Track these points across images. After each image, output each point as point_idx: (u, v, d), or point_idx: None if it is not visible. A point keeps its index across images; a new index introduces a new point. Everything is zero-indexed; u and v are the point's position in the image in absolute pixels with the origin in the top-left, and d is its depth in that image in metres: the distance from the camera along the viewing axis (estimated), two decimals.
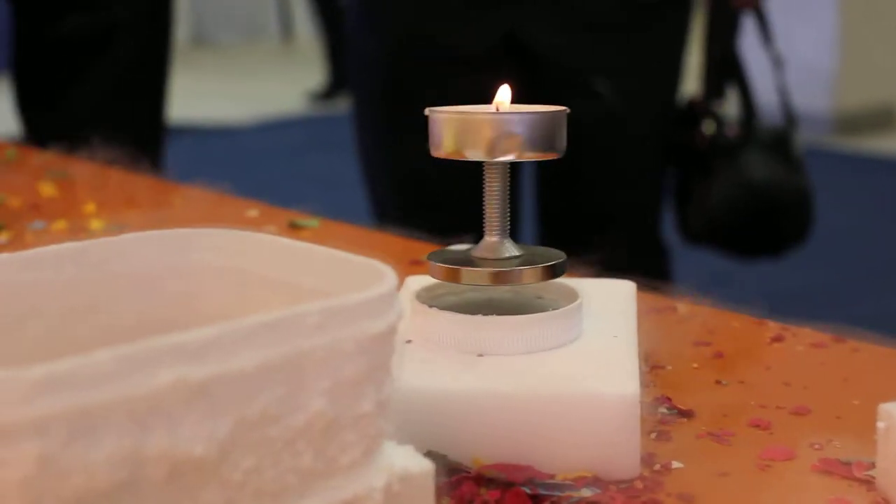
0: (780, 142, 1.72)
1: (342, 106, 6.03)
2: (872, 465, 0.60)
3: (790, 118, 1.79)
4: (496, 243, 0.65)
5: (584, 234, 1.59)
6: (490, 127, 0.61)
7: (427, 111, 0.63)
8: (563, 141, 0.63)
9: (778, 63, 1.79)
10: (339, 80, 6.34)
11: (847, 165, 4.96)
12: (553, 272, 0.64)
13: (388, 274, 0.50)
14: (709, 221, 1.68)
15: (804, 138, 4.90)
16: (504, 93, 0.66)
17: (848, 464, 0.61)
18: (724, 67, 1.71)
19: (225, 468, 0.44)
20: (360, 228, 1.07)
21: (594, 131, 1.54)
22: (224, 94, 6.94)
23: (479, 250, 0.65)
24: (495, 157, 0.62)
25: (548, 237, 1.65)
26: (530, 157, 0.62)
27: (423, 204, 1.57)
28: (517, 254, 0.65)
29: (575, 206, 1.59)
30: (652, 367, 0.74)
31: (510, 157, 0.62)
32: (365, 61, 1.62)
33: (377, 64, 1.59)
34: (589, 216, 1.59)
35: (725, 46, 1.70)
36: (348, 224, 1.08)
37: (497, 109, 0.64)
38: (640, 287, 0.81)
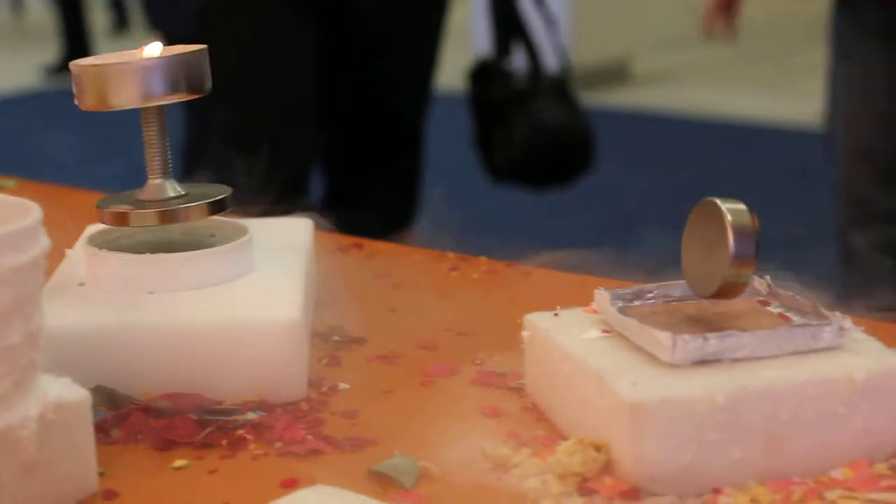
0: (560, 90, 1.96)
1: None
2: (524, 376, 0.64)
3: (566, 69, 2.04)
4: (160, 185, 0.66)
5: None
6: (129, 74, 0.63)
7: (70, 65, 0.64)
8: (207, 80, 0.65)
9: (550, 22, 1.96)
10: (74, 52, 6.19)
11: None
12: (216, 208, 0.66)
13: (34, 210, 0.52)
14: (512, 162, 1.89)
15: None
16: (153, 47, 0.67)
17: (503, 375, 0.65)
18: (509, 28, 1.91)
19: None
20: (61, 187, 1.07)
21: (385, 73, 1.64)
22: None
23: (145, 193, 0.67)
24: (142, 103, 0.63)
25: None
26: (177, 97, 0.64)
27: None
28: (182, 193, 0.66)
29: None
30: (331, 299, 0.77)
31: (157, 101, 0.64)
32: (176, 11, 1.60)
33: (190, 11, 1.58)
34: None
35: (507, 9, 1.87)
36: (48, 184, 1.08)
37: (140, 57, 0.65)
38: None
